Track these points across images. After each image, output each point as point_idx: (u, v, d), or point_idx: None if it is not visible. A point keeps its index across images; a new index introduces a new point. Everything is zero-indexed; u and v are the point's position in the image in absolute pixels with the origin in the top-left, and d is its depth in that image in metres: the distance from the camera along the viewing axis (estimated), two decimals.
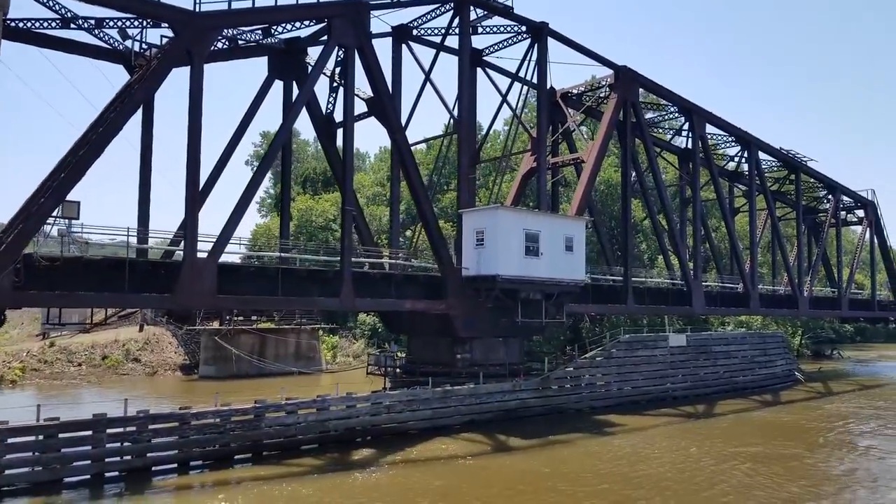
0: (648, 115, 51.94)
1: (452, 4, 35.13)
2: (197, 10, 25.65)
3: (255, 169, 27.26)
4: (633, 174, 45.83)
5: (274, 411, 23.59)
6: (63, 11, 25.45)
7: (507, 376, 32.54)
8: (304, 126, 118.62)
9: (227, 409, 22.73)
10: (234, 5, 27.00)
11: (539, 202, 38.12)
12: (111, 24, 26.34)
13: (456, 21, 35.44)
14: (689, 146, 48.96)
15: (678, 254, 45.84)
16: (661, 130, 54.87)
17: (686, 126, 48.65)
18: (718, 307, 49.15)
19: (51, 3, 25.12)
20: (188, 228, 24.78)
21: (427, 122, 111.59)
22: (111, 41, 27.32)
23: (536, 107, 38.22)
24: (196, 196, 25.15)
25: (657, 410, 35.59)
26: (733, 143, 53.91)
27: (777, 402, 40.77)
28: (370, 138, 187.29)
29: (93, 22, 26.03)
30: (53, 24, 26.14)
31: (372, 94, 32.10)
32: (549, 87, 44.31)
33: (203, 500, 19.24)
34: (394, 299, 30.36)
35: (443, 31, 37.25)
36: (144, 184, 29.89)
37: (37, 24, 25.96)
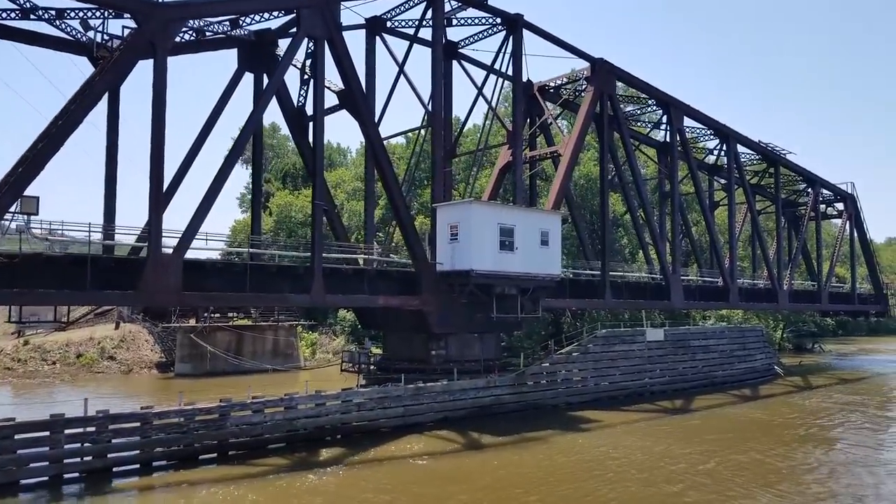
0: (627, 109, 52.02)
1: None
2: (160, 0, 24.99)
3: (228, 164, 26.52)
4: (612, 168, 45.92)
5: (239, 410, 23.12)
6: (22, 1, 24.75)
7: (482, 373, 32.25)
8: (282, 121, 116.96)
9: (190, 408, 22.25)
10: None
11: (515, 196, 37.85)
12: (72, 14, 25.70)
13: (429, 13, 34.95)
14: (668, 139, 49.02)
15: (656, 248, 45.75)
16: (639, 124, 54.85)
17: (664, 119, 48.59)
18: (698, 301, 49.26)
19: None
20: (152, 224, 24.21)
21: (404, 115, 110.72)
22: (74, 32, 26.65)
23: (512, 100, 37.76)
24: (160, 191, 24.57)
25: (634, 406, 35.47)
26: (712, 137, 54.01)
27: (755, 397, 40.79)
28: (352, 133, 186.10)
29: (53, 13, 25.40)
30: (12, 15, 25.44)
31: (343, 87, 31.60)
32: (526, 80, 44.33)
33: (164, 501, 18.81)
34: (367, 295, 29.98)
35: (416, 22, 36.80)
36: (110, 179, 29.40)
37: None
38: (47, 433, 19.58)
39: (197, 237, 25.63)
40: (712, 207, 61.18)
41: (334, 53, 29.96)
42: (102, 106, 24.81)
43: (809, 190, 63.28)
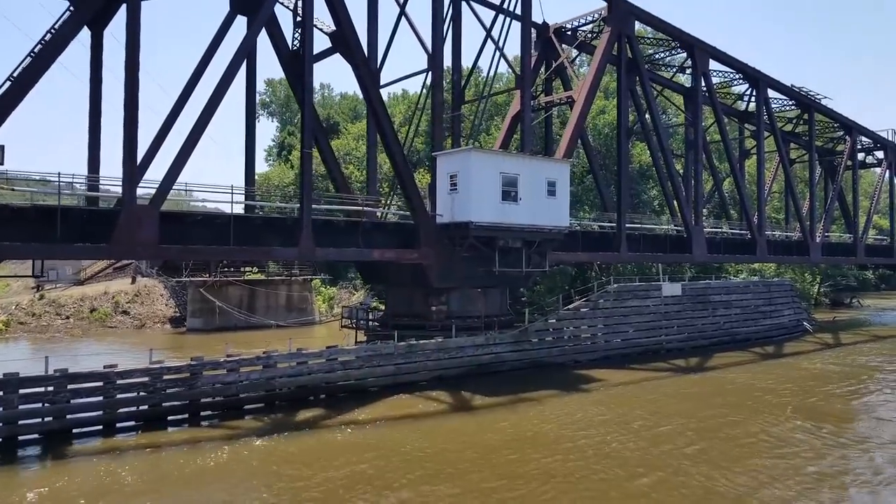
0: (649, 52, 48.69)
1: None
2: None
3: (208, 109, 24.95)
4: (636, 114, 43.18)
5: (212, 369, 22.18)
6: None
7: (483, 329, 30.85)
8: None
9: (157, 367, 21.34)
10: None
11: (522, 144, 35.73)
12: None
13: None
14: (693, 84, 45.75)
15: (677, 198, 43.15)
16: (665, 69, 51.41)
17: (689, 63, 45.25)
18: (722, 254, 46.74)
19: None
20: (126, 173, 23.00)
21: (413, 63, 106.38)
22: None
23: (520, 40, 35.22)
24: (134, 139, 23.16)
25: (646, 364, 33.86)
26: (741, 81, 50.39)
27: (777, 355, 38.72)
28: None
29: None
30: None
31: (335, 28, 29.57)
32: (542, 22, 41.72)
33: (126, 463, 18.05)
34: (360, 248, 28.57)
35: None
36: (94, 128, 28.12)
37: None
38: (0, 393, 18.84)
39: (175, 187, 24.50)
40: (743, 157, 57.90)
41: None
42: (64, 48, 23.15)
43: (847, 137, 59.12)
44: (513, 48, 36.65)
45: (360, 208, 29.55)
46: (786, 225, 57.24)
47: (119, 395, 20.72)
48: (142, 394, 21.13)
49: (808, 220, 53.13)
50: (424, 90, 40.78)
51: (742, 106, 55.59)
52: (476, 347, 29.01)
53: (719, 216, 54.87)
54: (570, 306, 34.25)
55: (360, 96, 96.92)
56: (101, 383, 20.42)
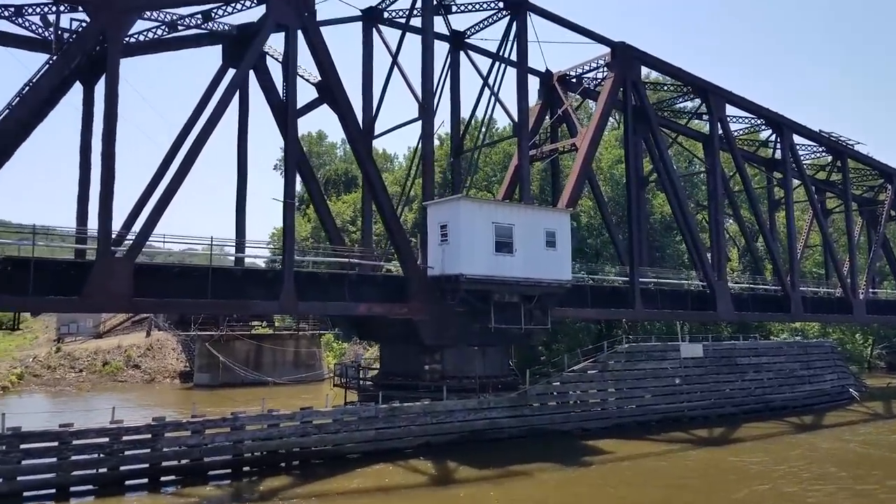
0: (666, 97, 47.30)
1: None
2: None
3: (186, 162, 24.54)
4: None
5: (174, 430, 20.84)
6: None
7: (478, 391, 28.77)
8: (331, 127, 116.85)
9: (115, 427, 20.12)
10: None
11: (521, 194, 34.36)
12: (31, 11, 24.52)
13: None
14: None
15: (697, 251, 40.87)
16: (681, 115, 49.82)
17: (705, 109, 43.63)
18: (751, 312, 43.74)
19: None
20: (100, 225, 22.52)
21: (414, 113, 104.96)
22: (35, 28, 25.33)
23: (517, 88, 34.39)
24: (110, 191, 22.76)
25: (664, 434, 30.73)
26: (764, 127, 48.40)
27: (817, 426, 34.74)
28: (399, 139, 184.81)
29: (12, 9, 24.27)
30: None
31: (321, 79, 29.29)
32: (545, 69, 41.07)
33: None
34: (345, 302, 27.24)
35: (417, 11, 34.00)
36: (84, 181, 27.84)
37: None
38: None
39: (153, 238, 23.90)
40: (773, 207, 55.21)
41: (309, 42, 27.84)
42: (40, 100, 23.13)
43: (888, 185, 55.93)
44: (513, 96, 35.88)
45: (347, 260, 28.36)
46: (827, 280, 53.77)
47: (74, 457, 19.49)
48: (99, 455, 19.88)
49: (849, 276, 49.78)
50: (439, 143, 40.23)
51: (768, 153, 53.30)
52: (468, 412, 26.87)
53: (756, 271, 51.83)
54: (576, 367, 31.88)
55: (382, 150, 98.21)
56: (55, 443, 19.28)
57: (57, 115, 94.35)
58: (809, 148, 51.77)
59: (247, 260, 34.25)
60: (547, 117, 41.41)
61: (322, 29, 30.89)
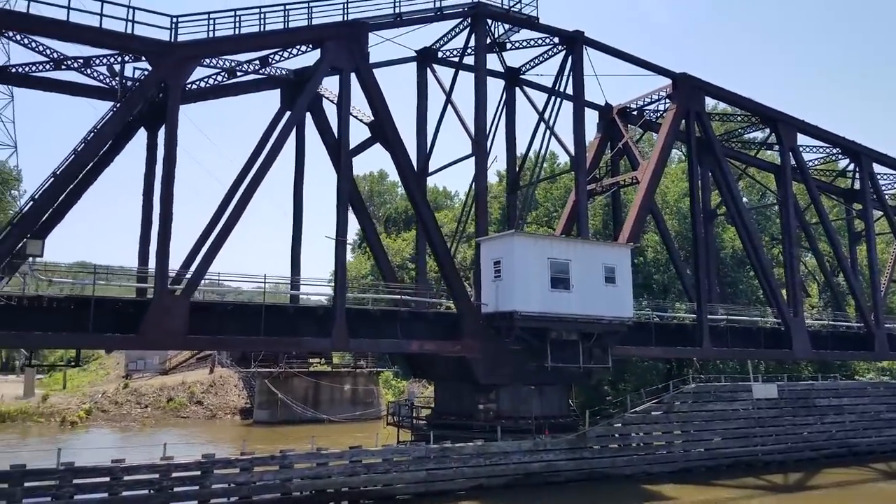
0: (731, 129, 45.63)
1: (469, 21, 32.26)
2: (173, 40, 24.54)
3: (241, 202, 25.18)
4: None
5: (223, 467, 20.80)
6: (49, 53, 25.32)
7: (533, 432, 27.66)
8: (392, 167, 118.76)
9: (165, 463, 20.29)
10: (220, 34, 25.89)
11: (579, 229, 33.50)
12: (98, 62, 25.99)
13: (473, 38, 32.45)
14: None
15: (769, 286, 38.67)
16: (750, 146, 47.86)
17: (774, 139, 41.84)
18: (830, 350, 40.81)
19: (36, 46, 25.01)
20: (158, 265, 23.27)
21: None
22: (102, 78, 26.88)
23: (573, 122, 33.90)
24: (167, 232, 23.52)
25: (734, 479, 28.92)
26: (841, 157, 45.92)
27: None
28: (463, 178, 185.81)
29: (81, 61, 25.80)
30: (47, 67, 26.15)
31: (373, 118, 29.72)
32: (604, 103, 40.53)
33: None
34: (396, 340, 26.97)
35: (470, 50, 34.16)
36: (146, 221, 28.95)
37: (32, 68, 26.11)
38: (5, 485, 18.33)
39: (207, 277, 24.42)
40: (854, 240, 51.94)
41: (362, 84, 28.35)
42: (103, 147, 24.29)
43: None
44: (570, 130, 35.41)
45: (398, 297, 28.15)
46: None
47: (124, 493, 19.75)
48: (149, 492, 20.07)
49: None
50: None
51: (848, 183, 50.37)
52: (523, 453, 25.84)
53: (837, 307, 48.59)
54: (639, 408, 30.33)
55: (443, 188, 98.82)
56: (106, 479, 19.59)
57: (126, 160, 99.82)
58: (891, 177, 48.65)
59: (304, 298, 34.61)
60: (607, 150, 40.62)
61: (378, 70, 31.83)
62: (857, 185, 46.96)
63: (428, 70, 35.65)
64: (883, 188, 47.26)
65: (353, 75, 28.01)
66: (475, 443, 25.34)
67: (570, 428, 29.10)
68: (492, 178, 71.15)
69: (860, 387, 39.63)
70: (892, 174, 48.34)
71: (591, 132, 41.41)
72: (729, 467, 30.93)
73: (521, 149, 41.03)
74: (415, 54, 35.50)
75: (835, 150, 45.26)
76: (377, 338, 26.88)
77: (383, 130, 28.60)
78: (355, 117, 30.62)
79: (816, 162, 47.81)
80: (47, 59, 25.73)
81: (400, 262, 68.40)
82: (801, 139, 42.74)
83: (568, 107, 35.43)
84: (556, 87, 35.62)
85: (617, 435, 29.12)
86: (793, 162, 40.91)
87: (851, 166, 46.41)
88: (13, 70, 26.67)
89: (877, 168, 45.99)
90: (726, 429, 31.99)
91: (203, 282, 25.40)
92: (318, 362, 52.03)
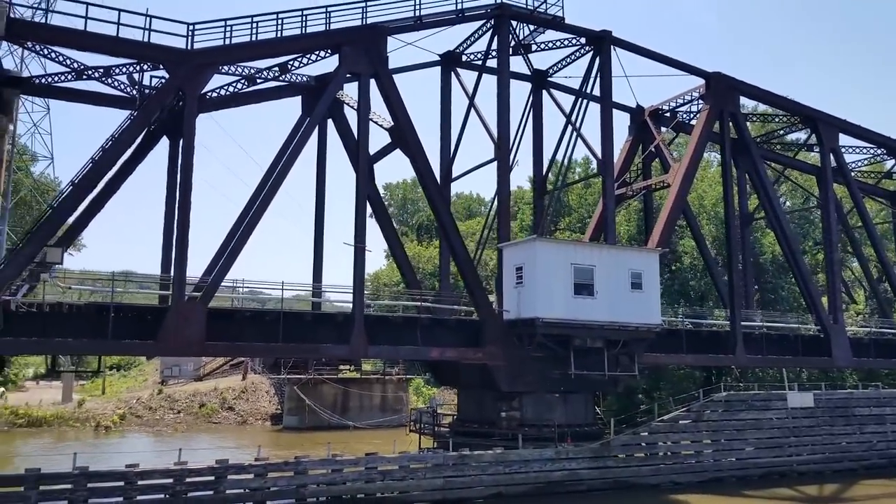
0: (772, 130, 44.17)
1: (492, 22, 31.93)
2: (189, 47, 24.84)
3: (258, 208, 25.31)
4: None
5: (237, 472, 20.79)
6: (69, 63, 25.70)
7: (556, 440, 27.00)
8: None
9: (179, 468, 20.37)
10: (237, 41, 26.10)
11: (606, 233, 32.76)
12: (118, 71, 26.38)
13: (496, 40, 32.08)
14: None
15: (808, 292, 37.21)
16: (790, 147, 46.21)
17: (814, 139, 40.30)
18: (873, 359, 39.03)
19: (56, 57, 25.42)
20: (175, 272, 23.44)
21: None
22: (123, 87, 27.16)
23: (600, 125, 33.19)
24: (185, 239, 23.78)
25: (766, 490, 27.86)
26: (886, 157, 44.00)
27: None
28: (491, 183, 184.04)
29: (101, 70, 26.19)
30: (69, 77, 26.62)
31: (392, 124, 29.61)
32: (636, 105, 39.70)
33: None
34: (416, 347, 26.71)
35: (493, 52, 33.79)
36: (168, 230, 29.26)
37: (54, 79, 26.64)
38: (20, 488, 18.63)
39: (224, 284, 24.54)
40: None
41: (381, 88, 28.27)
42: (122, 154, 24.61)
43: None
44: (599, 133, 34.67)
45: (419, 304, 27.90)
46: None
47: (139, 497, 19.91)
48: (165, 496, 20.17)
49: None
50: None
51: (893, 185, 48.28)
52: (544, 462, 25.21)
53: (883, 314, 46.54)
54: (666, 417, 29.38)
55: (477, 194, 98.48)
56: (121, 483, 19.76)
57: (151, 168, 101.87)
58: None
59: (331, 305, 34.61)
60: (639, 154, 39.76)
61: (402, 74, 31.67)
62: None
63: (452, 74, 35.36)
64: None
65: (372, 80, 27.99)
66: (495, 451, 24.84)
67: (596, 436, 28.37)
68: (524, 184, 71.08)
69: None
70: None
71: (624, 135, 40.70)
72: (761, 478, 29.78)
73: (549, 153, 40.47)
74: (438, 58, 35.26)
75: (880, 151, 43.41)
76: (397, 345, 26.69)
77: (403, 136, 28.44)
78: (375, 123, 30.48)
79: (862, 163, 45.98)
80: (68, 70, 26.11)
81: (432, 270, 68.27)
82: (844, 140, 41.28)
83: (597, 109, 34.75)
84: (584, 89, 34.90)
85: (643, 444, 28.27)
86: (834, 163, 39.45)
87: (893, 166, 44.46)
88: (36, 81, 27.33)
89: None
90: (759, 438, 30.75)
91: (226, 288, 25.63)
92: (349, 369, 52.12)
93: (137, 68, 26.11)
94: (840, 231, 41.50)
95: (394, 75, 29.09)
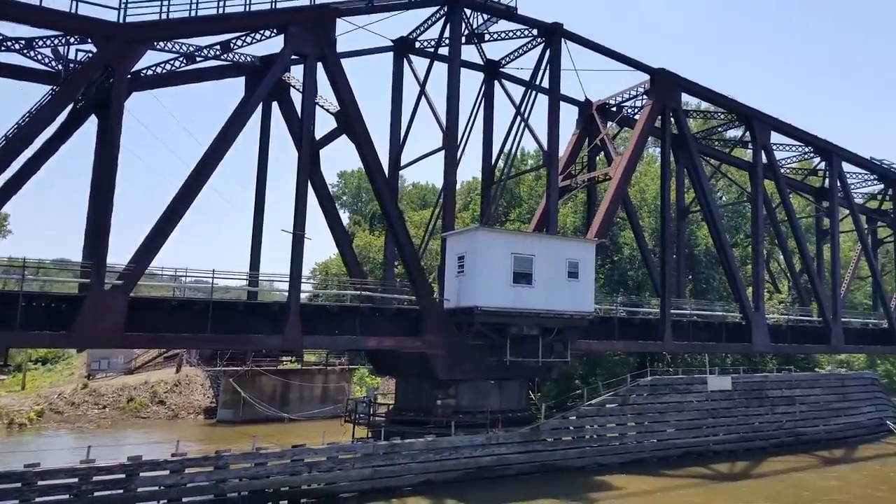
0: (713, 125, 45.64)
1: (446, 9, 31.79)
2: (121, 20, 23.75)
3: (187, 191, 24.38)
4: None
5: (150, 469, 20.30)
6: None
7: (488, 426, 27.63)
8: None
9: (86, 467, 19.53)
10: (175, 16, 25.12)
11: (548, 224, 33.44)
12: (42, 43, 25.04)
13: (448, 28, 32.03)
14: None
15: (734, 282, 38.99)
16: (726, 143, 47.95)
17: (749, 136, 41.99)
18: (789, 344, 41.38)
19: None
20: (94, 259, 22.18)
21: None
22: (46, 61, 25.59)
23: (547, 116, 33.66)
24: (105, 223, 22.58)
25: (683, 469, 29.59)
26: (812, 155, 46.26)
27: (846, 460, 33.45)
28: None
29: (23, 42, 24.75)
30: None
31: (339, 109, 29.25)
32: (584, 99, 40.38)
33: None
34: (353, 337, 26.73)
35: (446, 40, 33.57)
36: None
37: None
38: None
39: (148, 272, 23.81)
40: (821, 237, 52.51)
41: (328, 72, 27.87)
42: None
43: None
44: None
45: (358, 293, 27.91)
46: (875, 312, 50.69)
47: (38, 499, 18.74)
48: (69, 497, 19.04)
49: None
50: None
51: (819, 182, 50.78)
52: (475, 448, 25.89)
53: (803, 303, 49.26)
54: (594, 401, 30.58)
55: (432, 184, 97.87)
56: (18, 485, 18.55)
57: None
58: (861, 176, 49.12)
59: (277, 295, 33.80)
60: (585, 146, 40.55)
61: (354, 59, 30.97)
62: (827, 184, 47.47)
63: (404, 60, 35.22)
64: (851, 187, 47.84)
65: (320, 64, 27.50)
66: (426, 438, 25.25)
67: (528, 422, 29.28)
68: (479, 175, 71.04)
69: (812, 378, 40.60)
70: (860, 173, 48.81)
71: (573, 128, 41.46)
72: (680, 457, 31.57)
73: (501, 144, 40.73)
74: (391, 44, 34.99)
75: (808, 149, 45.59)
76: (335, 335, 26.63)
77: (350, 121, 28.21)
78: (322, 107, 30.01)
79: (791, 160, 48.23)
80: None
81: (382, 260, 67.74)
82: (777, 138, 43.18)
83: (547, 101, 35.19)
84: (534, 81, 35.33)
85: (571, 427, 29.39)
86: (766, 160, 41.18)
87: (822, 165, 46.84)
88: None
89: (847, 168, 46.44)
90: (679, 420, 32.56)
91: (168, 278, 24.84)
92: (290, 360, 51.49)
93: (63, 41, 24.87)
94: (768, 225, 43.53)
95: (345, 59, 28.83)
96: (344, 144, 30.08)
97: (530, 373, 30.70)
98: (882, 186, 50.31)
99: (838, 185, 45.17)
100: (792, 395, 37.48)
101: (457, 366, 28.32)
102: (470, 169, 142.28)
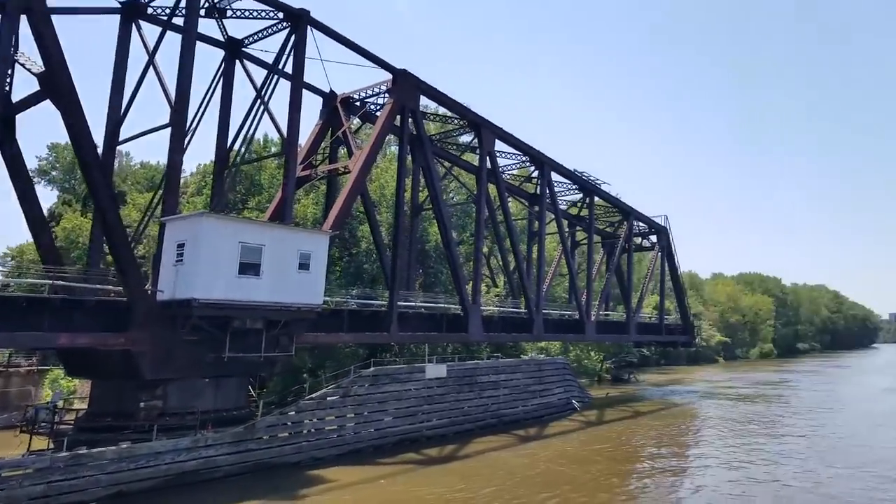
0: (444, 129, 48.81)
1: None
2: None
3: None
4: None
5: None
6: None
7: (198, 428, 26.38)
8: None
9: None
10: None
11: (282, 214, 32.88)
12: None
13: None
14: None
15: (455, 276, 42.58)
16: (459, 149, 51.70)
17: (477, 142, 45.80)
18: (499, 333, 46.71)
19: None
20: None
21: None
22: None
23: (289, 104, 32.84)
24: None
25: (396, 457, 31.59)
26: (528, 164, 52.26)
27: (538, 437, 38.78)
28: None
29: None
30: None
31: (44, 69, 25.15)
32: (329, 90, 40.21)
33: None
34: (41, 333, 23.46)
35: (182, 10, 30.53)
36: None
37: None
38: None
39: None
40: (532, 238, 59.90)
41: (33, 28, 23.96)
42: None
43: (625, 222, 63.68)
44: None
45: (51, 283, 24.51)
46: (570, 304, 59.50)
47: None
48: None
49: (586, 300, 55.52)
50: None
51: (534, 188, 57.61)
52: (179, 452, 24.57)
53: (515, 296, 55.51)
54: (315, 395, 31.15)
55: (164, 164, 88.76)
56: None
57: None
58: (565, 185, 56.82)
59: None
60: (328, 138, 40.44)
61: (72, 18, 26.75)
62: (539, 191, 54.08)
63: (133, 26, 31.52)
64: (558, 195, 55.15)
65: (24, 16, 23.62)
66: (121, 445, 23.27)
67: (245, 420, 28.45)
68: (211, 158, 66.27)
69: (516, 364, 46.16)
70: (566, 183, 56.45)
71: (315, 118, 41.04)
72: (395, 445, 33.49)
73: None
74: (118, 5, 31.15)
75: (525, 158, 51.20)
76: (15, 330, 23.04)
77: (56, 84, 24.38)
78: (23, 66, 25.66)
79: (513, 167, 53.86)
80: None
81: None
82: (503, 146, 47.73)
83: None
84: (277, 66, 34.19)
85: (290, 423, 29.36)
86: (490, 165, 45.28)
87: (536, 173, 53.08)
88: None
89: (555, 177, 53.34)
90: (397, 409, 34.58)
91: None
92: None
93: None
94: (489, 225, 48.20)
95: (60, 16, 25.47)
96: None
97: (252, 368, 29.95)
98: (581, 195, 58.82)
99: (547, 192, 51.64)
100: (498, 380, 42.23)
101: (167, 363, 26.44)
102: (208, 152, 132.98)
